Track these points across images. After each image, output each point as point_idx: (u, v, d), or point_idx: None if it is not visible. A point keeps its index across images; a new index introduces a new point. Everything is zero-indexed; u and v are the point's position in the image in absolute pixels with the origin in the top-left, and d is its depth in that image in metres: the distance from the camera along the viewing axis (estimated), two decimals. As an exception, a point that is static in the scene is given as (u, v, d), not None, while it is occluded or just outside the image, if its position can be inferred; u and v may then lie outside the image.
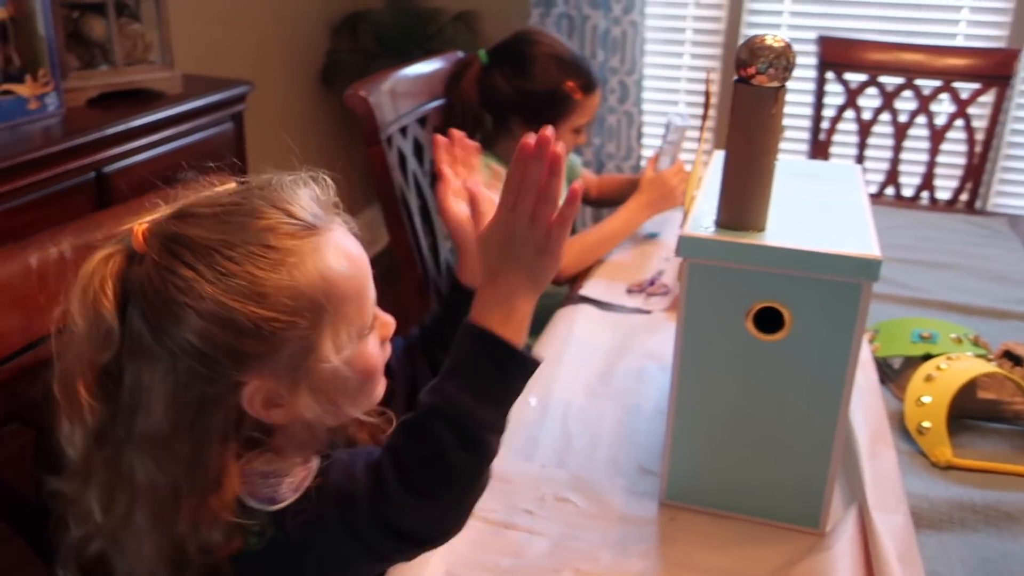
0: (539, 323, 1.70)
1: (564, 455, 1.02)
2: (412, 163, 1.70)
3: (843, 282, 0.80)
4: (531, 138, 0.71)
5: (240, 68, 2.58)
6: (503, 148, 1.62)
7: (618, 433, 1.06)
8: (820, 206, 0.92)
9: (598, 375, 1.20)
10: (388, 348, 0.80)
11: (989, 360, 1.12)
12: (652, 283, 1.47)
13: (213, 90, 1.88)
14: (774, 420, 0.86)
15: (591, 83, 1.61)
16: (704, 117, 1.09)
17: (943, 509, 0.92)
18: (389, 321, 0.79)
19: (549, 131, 0.71)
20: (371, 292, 0.75)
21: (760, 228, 0.84)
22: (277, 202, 0.71)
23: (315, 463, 0.70)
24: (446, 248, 1.82)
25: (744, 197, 0.83)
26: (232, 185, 0.77)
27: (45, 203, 1.47)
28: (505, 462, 1.00)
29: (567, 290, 1.71)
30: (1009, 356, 1.14)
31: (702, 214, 0.88)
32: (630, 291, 1.46)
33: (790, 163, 1.06)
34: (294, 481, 0.68)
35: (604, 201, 1.87)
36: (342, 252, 0.72)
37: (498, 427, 0.72)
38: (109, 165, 1.60)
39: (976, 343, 1.17)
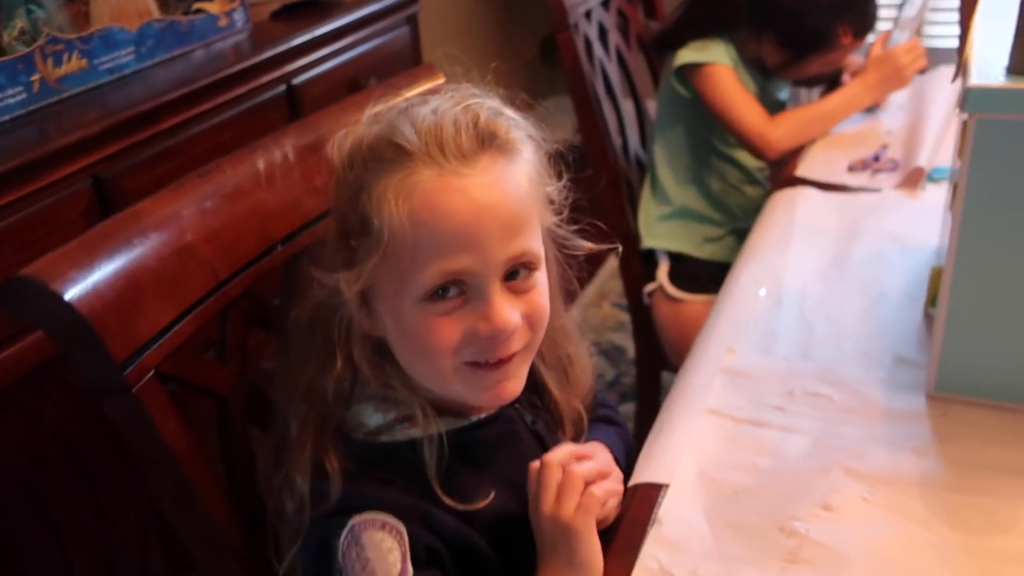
0: (752, 210, 1.60)
1: (808, 347, 0.93)
2: (598, 49, 1.60)
3: None
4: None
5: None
6: (744, 43, 1.50)
7: (865, 322, 0.97)
8: None
9: (831, 260, 1.09)
10: (496, 348, 0.66)
11: None
12: (877, 159, 1.33)
13: (387, -7, 1.84)
14: (1078, 298, 0.74)
15: (866, 28, 1.46)
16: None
17: None
18: (493, 320, 0.64)
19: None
20: (445, 261, 0.63)
21: (1066, 72, 0.71)
22: (412, 112, 0.66)
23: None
24: (635, 139, 1.73)
25: (1047, 35, 0.69)
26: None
27: (242, 120, 1.49)
28: (743, 357, 0.93)
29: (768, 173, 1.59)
30: None
31: (986, 62, 0.75)
32: (851, 169, 1.33)
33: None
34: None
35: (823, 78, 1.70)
36: (425, 200, 0.63)
37: None
38: (298, 77, 1.60)
39: None
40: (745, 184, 1.61)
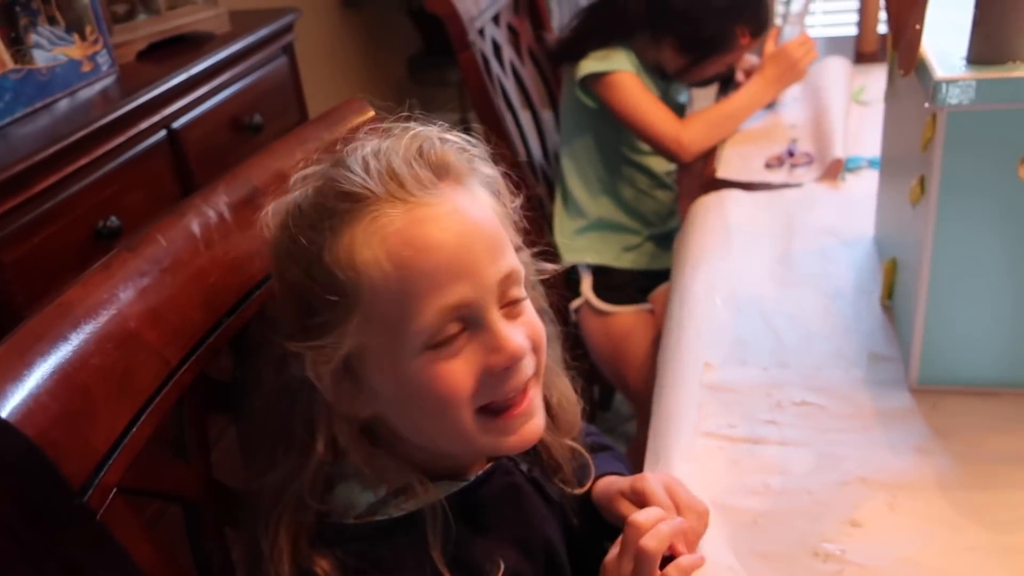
0: (665, 215, 1.59)
1: (781, 353, 0.91)
2: (495, 66, 1.56)
3: None
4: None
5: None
6: (643, 50, 1.48)
7: (828, 320, 0.96)
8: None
9: (776, 261, 1.08)
10: (517, 378, 0.61)
11: None
12: (791, 154, 1.35)
13: (261, 24, 1.73)
14: (1056, 278, 0.75)
15: (762, 28, 1.47)
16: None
17: None
18: (507, 348, 0.59)
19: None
20: (439, 297, 0.57)
21: (1025, 57, 0.71)
22: (349, 160, 0.60)
23: None
24: (538, 152, 1.69)
25: (1008, 22, 0.69)
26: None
27: (123, 172, 1.35)
28: (721, 371, 0.90)
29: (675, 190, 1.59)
30: None
31: (944, 54, 0.74)
32: (769, 166, 1.34)
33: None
34: None
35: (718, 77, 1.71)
36: (399, 237, 0.57)
37: None
38: (177, 120, 1.47)
39: None
40: (656, 189, 1.60)
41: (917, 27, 0.75)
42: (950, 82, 0.70)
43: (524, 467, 0.72)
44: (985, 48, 0.71)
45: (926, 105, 0.72)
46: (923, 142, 0.76)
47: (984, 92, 0.70)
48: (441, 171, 0.60)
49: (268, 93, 1.74)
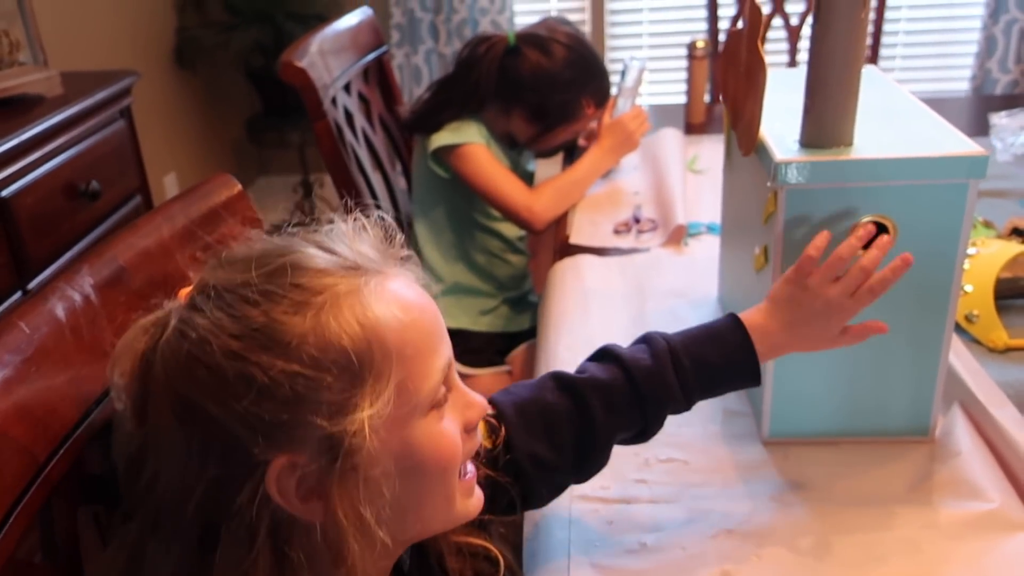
0: (519, 278, 1.63)
1: (644, 413, 0.96)
2: (347, 134, 1.57)
3: (950, 184, 0.77)
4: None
5: (91, 59, 2.32)
6: (493, 121, 1.54)
7: (684, 379, 1.02)
8: (880, 111, 0.88)
9: (632, 322, 1.15)
10: (476, 438, 0.64)
11: (1000, 238, 1.15)
12: (637, 220, 1.43)
13: (96, 86, 1.66)
14: (883, 336, 0.84)
15: (605, 98, 1.57)
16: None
17: (1013, 391, 0.92)
18: (477, 403, 0.63)
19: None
20: (438, 357, 0.59)
21: (849, 142, 0.80)
22: (320, 240, 0.59)
23: None
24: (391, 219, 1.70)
25: (834, 111, 0.78)
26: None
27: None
28: (590, 433, 0.93)
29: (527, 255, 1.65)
30: (1018, 232, 1.17)
31: (779, 137, 0.83)
32: (617, 232, 1.41)
33: (787, 74, 1.03)
34: None
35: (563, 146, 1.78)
36: (393, 299, 0.57)
37: None
38: (7, 187, 1.39)
39: (986, 225, 1.20)
40: (508, 253, 1.65)
41: (755, 116, 0.83)
42: (788, 163, 0.78)
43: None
44: (816, 133, 0.80)
45: (768, 184, 0.80)
46: (765, 216, 0.84)
47: (817, 173, 0.78)
48: (389, 257, 0.60)
49: (105, 158, 1.67)
